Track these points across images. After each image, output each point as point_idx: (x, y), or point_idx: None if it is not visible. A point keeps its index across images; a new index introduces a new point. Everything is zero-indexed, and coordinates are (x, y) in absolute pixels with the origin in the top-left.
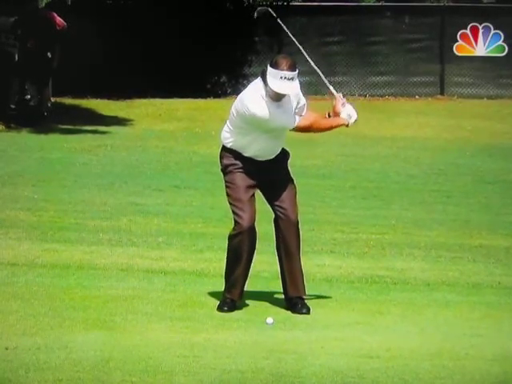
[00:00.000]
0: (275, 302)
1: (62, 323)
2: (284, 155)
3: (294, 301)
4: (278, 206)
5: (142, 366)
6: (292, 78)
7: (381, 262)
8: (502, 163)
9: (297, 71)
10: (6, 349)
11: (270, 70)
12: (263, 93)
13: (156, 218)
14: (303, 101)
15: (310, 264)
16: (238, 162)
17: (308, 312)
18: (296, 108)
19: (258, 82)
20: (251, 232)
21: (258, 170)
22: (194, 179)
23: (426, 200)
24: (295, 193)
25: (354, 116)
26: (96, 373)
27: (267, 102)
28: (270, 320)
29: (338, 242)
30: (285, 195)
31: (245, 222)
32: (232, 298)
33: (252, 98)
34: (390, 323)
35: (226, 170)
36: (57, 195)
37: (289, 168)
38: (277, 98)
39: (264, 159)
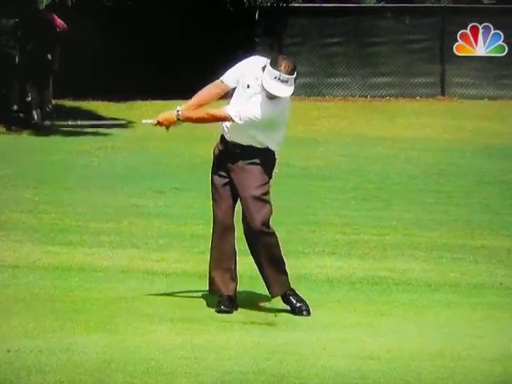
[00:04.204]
0: (276, 303)
1: (63, 325)
2: (257, 156)
3: (291, 301)
4: (242, 211)
5: (143, 367)
6: (287, 81)
7: (382, 262)
8: (503, 163)
9: (294, 76)
10: (8, 351)
11: (268, 67)
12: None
13: (157, 219)
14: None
15: (312, 265)
16: (218, 156)
17: (308, 314)
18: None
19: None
20: (225, 226)
21: (229, 166)
22: (195, 181)
23: (427, 201)
24: (257, 197)
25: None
26: (97, 375)
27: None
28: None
29: (339, 243)
30: (243, 201)
31: (218, 218)
32: (226, 294)
33: (250, 58)
34: (392, 324)
35: (212, 160)
36: (58, 197)
37: (259, 172)
38: (269, 95)
39: (231, 139)
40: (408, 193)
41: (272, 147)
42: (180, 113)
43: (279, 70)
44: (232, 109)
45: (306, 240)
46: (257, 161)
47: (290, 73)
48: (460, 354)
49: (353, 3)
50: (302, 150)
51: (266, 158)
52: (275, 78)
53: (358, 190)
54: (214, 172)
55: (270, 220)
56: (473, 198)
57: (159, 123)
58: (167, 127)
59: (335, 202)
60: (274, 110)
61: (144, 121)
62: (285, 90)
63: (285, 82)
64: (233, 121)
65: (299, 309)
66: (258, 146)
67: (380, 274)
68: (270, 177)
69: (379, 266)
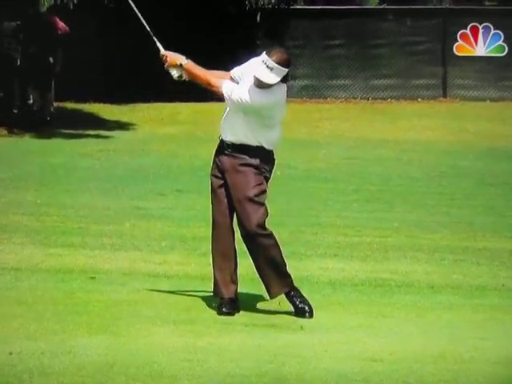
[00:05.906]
0: (277, 305)
1: (65, 328)
2: (252, 156)
3: (294, 301)
4: (236, 213)
5: (146, 370)
6: (272, 69)
7: (384, 264)
8: (505, 165)
9: (282, 67)
10: (10, 353)
11: (262, 55)
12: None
13: (159, 222)
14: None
15: (314, 267)
16: (214, 157)
17: (311, 316)
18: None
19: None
20: (224, 228)
21: (224, 167)
22: (197, 183)
23: (429, 202)
24: (251, 199)
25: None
26: (100, 377)
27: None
28: None
29: (342, 245)
30: (238, 204)
31: (217, 219)
32: (227, 296)
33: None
34: (394, 326)
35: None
36: (60, 200)
37: (253, 173)
38: (256, 83)
39: (226, 138)
40: (410, 195)
41: (266, 146)
42: (187, 61)
43: (269, 56)
44: (227, 84)
45: (308, 242)
46: (251, 162)
47: (278, 62)
48: (462, 355)
49: (354, 5)
50: (304, 152)
51: (261, 159)
52: (263, 61)
53: (360, 192)
54: (212, 173)
55: (266, 221)
56: (475, 199)
57: (164, 56)
58: (167, 65)
59: (337, 204)
60: (264, 98)
61: (158, 44)
62: (268, 76)
63: (270, 68)
64: (222, 95)
65: (302, 310)
66: (253, 144)
67: (382, 276)
68: (267, 178)
69: (381, 268)
